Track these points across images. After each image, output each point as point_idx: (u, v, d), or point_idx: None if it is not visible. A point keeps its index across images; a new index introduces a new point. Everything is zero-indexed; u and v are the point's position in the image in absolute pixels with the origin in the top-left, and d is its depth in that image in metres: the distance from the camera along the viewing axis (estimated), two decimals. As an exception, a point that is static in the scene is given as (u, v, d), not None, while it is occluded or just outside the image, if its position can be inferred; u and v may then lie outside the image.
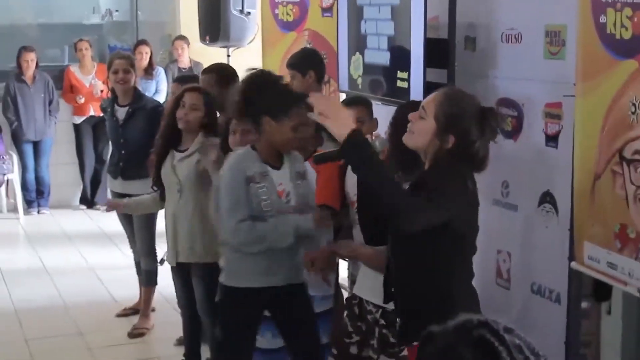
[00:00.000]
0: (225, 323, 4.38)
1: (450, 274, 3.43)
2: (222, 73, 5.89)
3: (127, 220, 6.51)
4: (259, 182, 4.14)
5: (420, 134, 3.41)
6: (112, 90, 6.64)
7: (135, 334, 6.46)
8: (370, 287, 4.06)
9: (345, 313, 4.32)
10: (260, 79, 4.34)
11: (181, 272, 5.37)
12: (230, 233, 4.20)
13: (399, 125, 3.75)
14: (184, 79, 6.47)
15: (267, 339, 4.71)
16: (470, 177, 3.44)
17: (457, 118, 3.37)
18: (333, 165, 4.43)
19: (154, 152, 5.45)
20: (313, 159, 3.79)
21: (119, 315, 6.79)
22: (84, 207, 10.43)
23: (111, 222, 9.15)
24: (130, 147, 6.36)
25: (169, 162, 5.25)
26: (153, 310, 6.65)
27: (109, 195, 9.69)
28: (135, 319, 6.60)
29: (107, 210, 6.07)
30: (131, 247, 6.77)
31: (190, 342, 5.60)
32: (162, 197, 5.38)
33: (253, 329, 4.38)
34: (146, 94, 7.64)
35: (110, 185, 6.78)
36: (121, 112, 6.46)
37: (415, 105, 3.68)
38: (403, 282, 3.50)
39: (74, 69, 10.38)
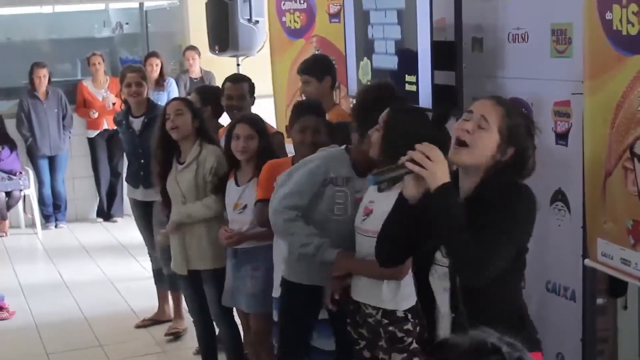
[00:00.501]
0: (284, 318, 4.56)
1: (515, 289, 3.33)
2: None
3: (146, 226, 6.55)
4: (339, 186, 4.20)
5: (485, 147, 3.13)
6: (126, 102, 6.68)
7: (171, 333, 6.55)
8: (367, 290, 4.02)
9: (348, 321, 4.27)
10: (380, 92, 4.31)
11: (192, 279, 5.40)
12: (272, 210, 4.28)
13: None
14: (204, 90, 6.45)
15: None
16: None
17: (519, 130, 3.18)
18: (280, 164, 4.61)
19: (155, 163, 5.45)
20: (372, 180, 3.31)
21: (138, 327, 6.81)
22: (100, 219, 10.46)
23: (128, 234, 9.25)
24: (148, 156, 6.36)
25: (173, 174, 5.29)
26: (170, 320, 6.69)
27: (126, 205, 9.83)
28: (154, 329, 6.64)
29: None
30: (150, 255, 6.79)
31: (206, 349, 5.63)
32: (168, 206, 5.40)
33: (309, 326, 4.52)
34: (158, 104, 7.65)
35: (130, 194, 6.78)
36: (137, 123, 6.52)
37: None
38: (471, 299, 3.22)
39: (86, 83, 10.40)
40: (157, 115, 6.31)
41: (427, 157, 2.98)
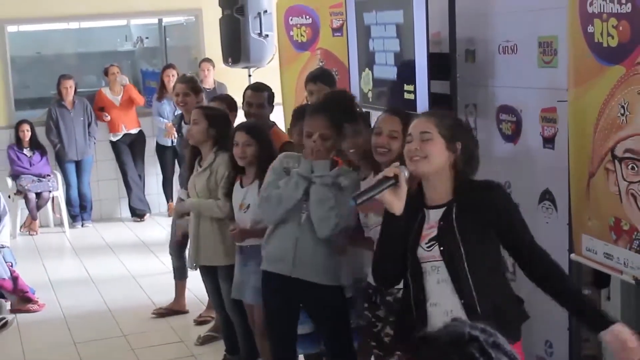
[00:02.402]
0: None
1: (507, 278, 3.51)
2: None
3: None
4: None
5: (436, 154, 3.24)
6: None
7: (201, 321, 6.57)
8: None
9: (365, 305, 4.29)
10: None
11: (208, 274, 5.44)
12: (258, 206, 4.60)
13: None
14: (221, 99, 6.34)
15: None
16: None
17: (454, 126, 3.34)
18: None
19: (184, 166, 5.51)
20: (352, 200, 3.32)
21: (154, 314, 6.82)
22: (137, 218, 10.44)
23: (149, 232, 9.28)
24: None
25: (193, 175, 5.36)
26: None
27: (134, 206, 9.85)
28: (173, 320, 6.70)
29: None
30: (170, 254, 6.80)
31: (229, 338, 5.65)
32: None
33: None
34: (175, 113, 7.66)
35: (181, 195, 6.36)
36: (186, 129, 6.43)
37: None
38: (480, 289, 3.32)
39: (105, 90, 10.45)
40: None
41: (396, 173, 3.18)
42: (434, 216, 3.28)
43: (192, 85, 6.51)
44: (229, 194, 5.11)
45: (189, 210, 5.44)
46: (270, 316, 4.64)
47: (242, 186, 5.02)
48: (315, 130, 4.32)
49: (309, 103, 5.70)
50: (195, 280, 6.47)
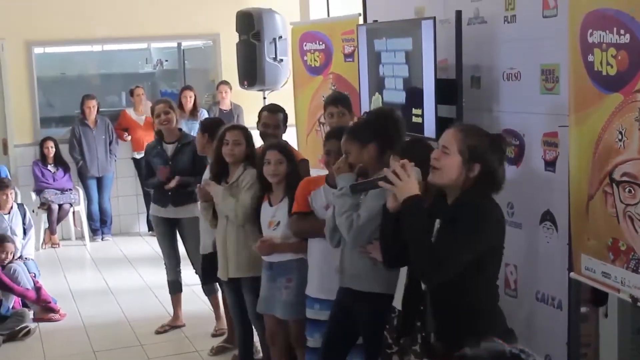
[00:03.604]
0: None
1: (477, 295, 3.37)
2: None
3: (168, 241, 6.68)
4: None
5: (450, 168, 3.31)
6: (158, 133, 6.64)
7: (219, 334, 6.56)
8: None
9: (387, 326, 4.17)
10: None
11: (232, 285, 5.43)
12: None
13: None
14: (207, 121, 6.35)
15: (315, 310, 4.75)
16: (497, 204, 3.39)
17: (480, 148, 3.32)
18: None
19: (211, 175, 5.45)
20: (349, 188, 3.74)
21: (157, 332, 6.78)
22: (154, 233, 10.36)
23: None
24: None
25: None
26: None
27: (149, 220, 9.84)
28: (188, 331, 6.71)
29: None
30: (166, 265, 6.81)
31: (244, 345, 5.66)
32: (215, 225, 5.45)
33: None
34: (192, 133, 7.69)
35: (156, 213, 6.67)
36: (170, 149, 6.53)
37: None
38: (438, 304, 3.42)
39: (129, 111, 10.52)
40: (188, 143, 6.40)
41: (398, 176, 3.25)
42: (436, 227, 3.39)
43: (170, 104, 6.66)
44: (255, 214, 5.12)
45: (213, 195, 5.29)
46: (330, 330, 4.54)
47: (270, 204, 5.01)
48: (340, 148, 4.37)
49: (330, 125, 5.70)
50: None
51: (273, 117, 5.82)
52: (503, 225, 3.44)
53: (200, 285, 6.59)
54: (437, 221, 3.38)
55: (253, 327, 5.51)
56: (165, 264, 6.83)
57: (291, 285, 4.90)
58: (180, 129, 6.74)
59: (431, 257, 3.20)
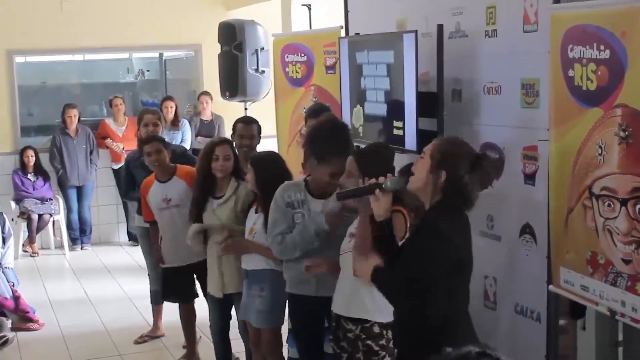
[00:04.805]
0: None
1: (440, 303, 3.27)
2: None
3: (151, 251, 6.54)
4: (296, 208, 4.42)
5: (419, 172, 3.28)
6: (141, 142, 6.43)
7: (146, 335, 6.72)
8: (345, 304, 3.99)
9: (330, 337, 4.20)
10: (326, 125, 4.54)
11: (224, 302, 5.37)
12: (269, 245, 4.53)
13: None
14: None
15: (294, 350, 4.75)
16: (460, 221, 3.31)
17: (450, 155, 3.23)
18: None
19: (192, 202, 5.38)
20: (336, 196, 3.70)
21: (136, 342, 6.72)
22: (134, 243, 10.24)
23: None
24: None
25: (210, 208, 5.26)
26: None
27: (132, 231, 9.76)
28: (168, 341, 6.68)
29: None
30: (150, 275, 6.74)
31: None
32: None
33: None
34: (173, 143, 7.63)
35: (139, 223, 6.58)
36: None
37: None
38: (400, 313, 3.45)
39: (108, 121, 10.45)
40: (174, 156, 6.25)
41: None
42: None
43: (159, 116, 6.68)
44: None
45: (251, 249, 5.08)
46: (297, 335, 4.65)
47: (256, 211, 5.00)
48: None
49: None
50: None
51: (247, 128, 5.81)
52: (460, 247, 3.29)
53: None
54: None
55: (243, 340, 5.45)
56: (149, 274, 6.76)
57: (264, 294, 4.90)
58: (163, 139, 6.65)
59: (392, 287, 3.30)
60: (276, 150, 7.38)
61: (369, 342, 3.92)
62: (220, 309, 5.44)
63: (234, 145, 5.72)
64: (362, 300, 3.92)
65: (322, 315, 4.41)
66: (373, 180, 3.37)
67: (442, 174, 3.22)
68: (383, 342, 3.93)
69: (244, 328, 5.28)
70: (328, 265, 4.23)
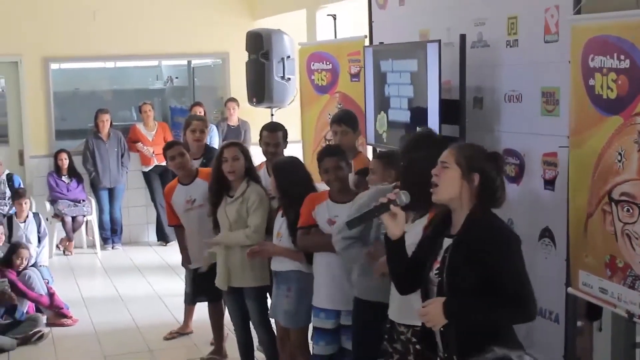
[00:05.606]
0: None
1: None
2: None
3: None
4: None
5: (449, 182, 3.14)
6: (185, 145, 6.45)
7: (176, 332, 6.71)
8: (398, 309, 3.95)
9: (385, 337, 4.15)
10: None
11: (234, 294, 5.43)
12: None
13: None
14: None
15: (320, 319, 4.77)
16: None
17: (476, 159, 3.16)
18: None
19: (209, 195, 5.45)
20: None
21: (166, 339, 6.75)
22: (162, 242, 10.34)
23: (174, 256, 9.25)
24: None
25: (223, 205, 5.33)
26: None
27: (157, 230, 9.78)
28: (196, 338, 6.69)
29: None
30: (186, 276, 6.69)
31: (246, 352, 5.67)
32: (216, 227, 5.44)
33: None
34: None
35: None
36: (196, 163, 6.34)
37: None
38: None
39: (139, 126, 10.51)
40: (212, 157, 6.29)
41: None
42: (445, 245, 3.19)
43: (206, 124, 6.70)
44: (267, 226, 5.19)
45: (220, 244, 5.36)
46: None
47: (282, 215, 5.02)
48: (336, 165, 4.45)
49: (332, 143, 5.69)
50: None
51: (272, 135, 5.80)
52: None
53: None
54: (445, 241, 3.20)
55: (256, 333, 5.49)
56: (185, 275, 6.74)
57: (290, 294, 4.94)
58: (206, 144, 6.74)
59: (514, 308, 3.06)
60: (301, 155, 7.41)
61: (418, 346, 3.80)
62: (235, 300, 5.47)
63: (262, 151, 5.77)
64: (412, 307, 3.87)
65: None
66: (384, 199, 3.20)
67: (475, 177, 3.13)
68: None
69: (257, 321, 5.34)
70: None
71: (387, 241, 3.30)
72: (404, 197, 3.17)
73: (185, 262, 6.12)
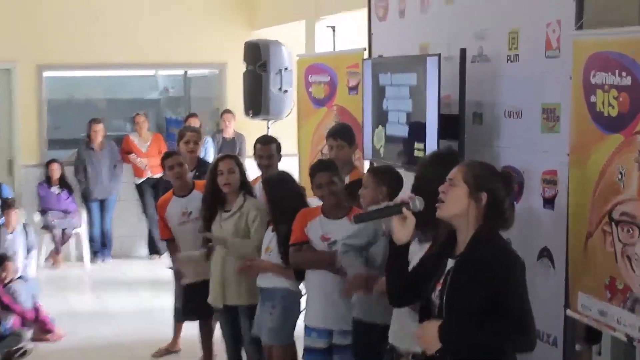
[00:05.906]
0: None
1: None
2: None
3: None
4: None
5: (455, 199, 3.10)
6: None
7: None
8: (399, 334, 3.92)
9: None
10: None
11: (228, 312, 5.40)
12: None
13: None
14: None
15: (312, 338, 4.74)
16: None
17: (485, 178, 3.12)
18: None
19: (203, 208, 5.44)
20: (353, 218, 3.48)
21: (154, 356, 6.71)
22: (155, 255, 10.29)
23: (164, 270, 9.24)
24: None
25: (218, 220, 5.29)
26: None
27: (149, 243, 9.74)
28: (186, 355, 6.66)
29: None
30: (176, 292, 6.65)
31: None
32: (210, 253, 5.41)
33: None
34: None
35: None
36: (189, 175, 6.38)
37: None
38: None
39: (133, 137, 10.51)
40: (206, 170, 6.27)
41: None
42: (449, 266, 3.13)
43: (200, 136, 6.70)
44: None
45: (225, 241, 5.27)
46: None
47: (272, 230, 5.02)
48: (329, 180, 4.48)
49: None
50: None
51: (265, 148, 5.83)
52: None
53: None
54: (449, 261, 3.14)
55: (246, 352, 5.46)
56: (175, 290, 6.70)
57: (274, 312, 4.92)
58: (199, 157, 6.73)
59: (515, 335, 3.00)
60: (297, 169, 7.39)
61: None
62: (228, 319, 5.45)
63: (257, 164, 5.77)
64: (410, 333, 3.83)
65: None
66: (399, 200, 3.20)
67: (483, 196, 3.09)
68: None
69: (248, 341, 5.31)
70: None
71: (391, 246, 3.26)
72: (419, 203, 3.15)
73: (178, 277, 6.08)
